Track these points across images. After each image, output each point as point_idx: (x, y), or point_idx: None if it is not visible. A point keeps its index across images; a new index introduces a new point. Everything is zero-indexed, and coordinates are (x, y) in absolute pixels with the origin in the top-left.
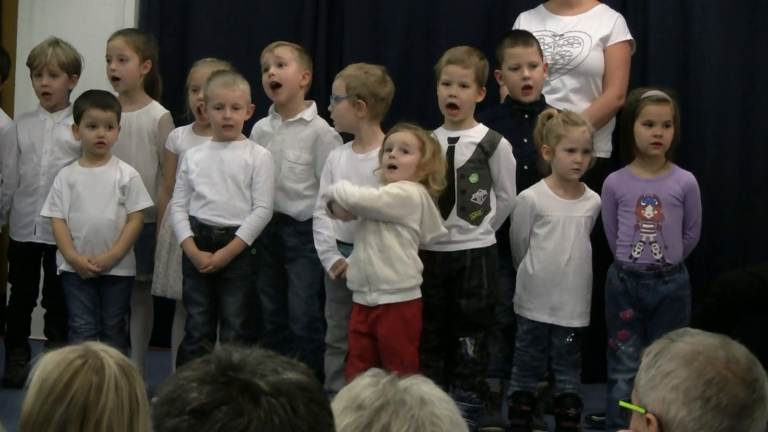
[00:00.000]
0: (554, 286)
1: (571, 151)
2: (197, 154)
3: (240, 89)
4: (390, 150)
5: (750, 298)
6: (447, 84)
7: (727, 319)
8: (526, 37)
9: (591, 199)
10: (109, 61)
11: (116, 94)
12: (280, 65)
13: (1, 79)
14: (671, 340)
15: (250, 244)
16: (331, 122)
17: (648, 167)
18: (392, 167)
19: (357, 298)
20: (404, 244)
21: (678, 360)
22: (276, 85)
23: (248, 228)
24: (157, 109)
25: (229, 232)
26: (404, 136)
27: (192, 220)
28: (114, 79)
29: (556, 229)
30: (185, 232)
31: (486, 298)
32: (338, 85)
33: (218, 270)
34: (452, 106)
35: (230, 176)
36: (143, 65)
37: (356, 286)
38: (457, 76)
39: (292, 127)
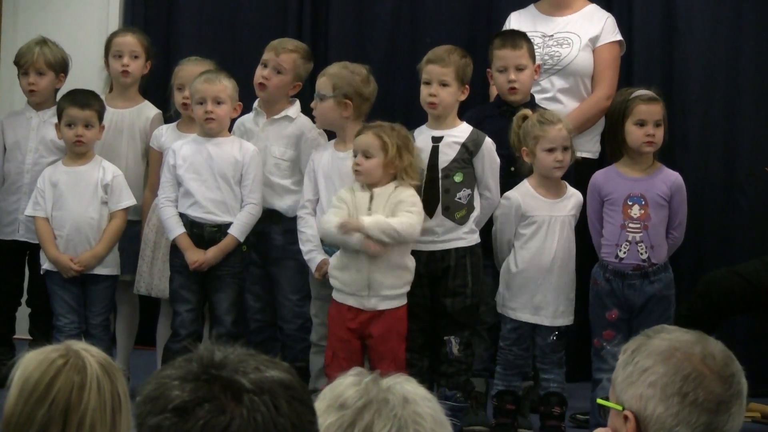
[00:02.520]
0: (537, 286)
1: (550, 150)
2: (184, 148)
3: (222, 84)
4: (356, 155)
5: (735, 298)
6: (427, 83)
7: (712, 319)
8: (515, 39)
9: (573, 197)
10: (119, 56)
11: (104, 92)
12: (278, 72)
13: None
14: (648, 336)
15: (242, 240)
16: (314, 119)
17: (636, 166)
18: (357, 172)
19: (350, 301)
20: (405, 250)
21: (655, 356)
22: (263, 87)
23: (240, 225)
24: (150, 108)
25: (222, 229)
26: (365, 139)
27: (182, 217)
28: (125, 73)
29: (541, 229)
30: (178, 228)
31: (471, 297)
32: (324, 84)
33: (208, 267)
34: (432, 104)
35: (220, 173)
36: (145, 65)
37: (352, 290)
38: (436, 75)
39: (277, 124)
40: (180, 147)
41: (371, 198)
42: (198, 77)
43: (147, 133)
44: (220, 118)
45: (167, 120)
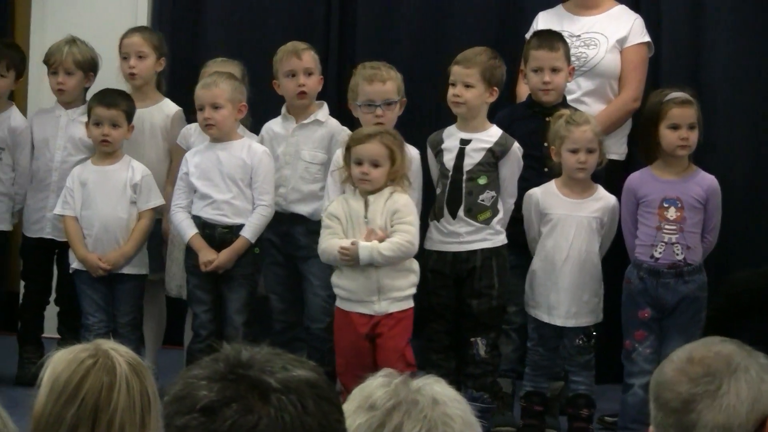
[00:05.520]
0: (552, 284)
1: (574, 151)
2: (196, 156)
3: (219, 88)
4: (360, 163)
5: (760, 299)
6: (453, 84)
7: (738, 320)
8: (552, 41)
9: (602, 200)
10: (126, 57)
11: (130, 91)
12: (309, 74)
13: (17, 76)
14: None
15: (254, 242)
16: (344, 122)
17: (671, 169)
18: (364, 182)
19: (358, 308)
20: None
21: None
22: (304, 94)
23: (252, 227)
24: (170, 106)
25: (233, 230)
26: (374, 149)
27: (196, 219)
28: (131, 75)
29: (557, 228)
30: (190, 229)
31: (497, 298)
32: (391, 89)
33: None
34: (456, 103)
35: (229, 176)
36: (158, 62)
37: (361, 296)
38: (461, 76)
39: (307, 128)
40: (192, 155)
41: (366, 205)
42: (199, 83)
43: (168, 131)
44: (219, 123)
45: (194, 120)
